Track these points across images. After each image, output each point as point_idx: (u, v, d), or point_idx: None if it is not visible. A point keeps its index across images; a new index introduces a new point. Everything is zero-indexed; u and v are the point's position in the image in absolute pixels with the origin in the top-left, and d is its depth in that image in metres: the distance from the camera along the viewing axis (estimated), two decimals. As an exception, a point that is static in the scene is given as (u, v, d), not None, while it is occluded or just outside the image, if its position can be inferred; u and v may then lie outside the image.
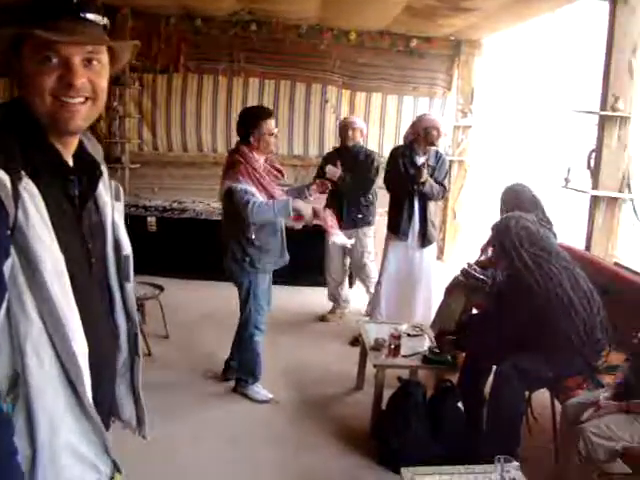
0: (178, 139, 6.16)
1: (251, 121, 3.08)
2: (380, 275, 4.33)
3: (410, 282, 4.26)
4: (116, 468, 1.20)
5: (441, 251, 6.51)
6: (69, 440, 1.08)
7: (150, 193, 6.04)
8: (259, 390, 3.42)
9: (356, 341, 4.00)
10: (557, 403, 2.94)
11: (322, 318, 4.73)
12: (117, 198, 1.26)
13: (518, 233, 2.90)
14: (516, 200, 3.65)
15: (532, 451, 2.90)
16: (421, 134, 4.06)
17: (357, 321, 3.90)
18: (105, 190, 1.23)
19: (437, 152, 4.22)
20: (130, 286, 1.26)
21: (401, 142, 4.50)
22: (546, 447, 2.93)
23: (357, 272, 4.63)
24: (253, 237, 3.12)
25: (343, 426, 3.24)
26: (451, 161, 6.19)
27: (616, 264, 3.87)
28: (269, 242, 3.20)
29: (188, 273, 5.25)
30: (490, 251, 3.62)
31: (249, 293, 3.24)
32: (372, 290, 4.46)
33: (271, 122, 3.09)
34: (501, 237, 2.94)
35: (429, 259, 4.30)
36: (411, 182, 4.05)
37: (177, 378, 3.60)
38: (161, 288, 4.21)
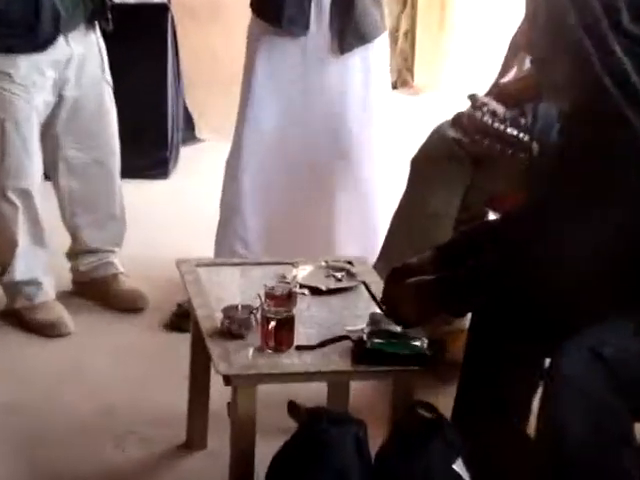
0: None
1: None
2: (240, 133, 4.55)
3: (317, 146, 4.53)
4: None
5: (408, 65, 6.73)
6: None
7: None
8: None
9: (182, 318, 4.18)
10: None
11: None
12: None
13: None
14: None
15: None
16: None
17: (177, 263, 3.78)
18: None
19: None
20: None
21: None
22: None
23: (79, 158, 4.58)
24: None
25: None
26: None
27: None
28: None
29: None
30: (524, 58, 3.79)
31: None
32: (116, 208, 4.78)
33: None
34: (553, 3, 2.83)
35: (366, 82, 4.54)
36: None
37: None
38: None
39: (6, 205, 4.45)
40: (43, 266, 4.58)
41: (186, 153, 5.97)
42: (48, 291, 4.59)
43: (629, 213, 2.81)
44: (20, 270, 4.52)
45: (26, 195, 4.47)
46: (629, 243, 2.84)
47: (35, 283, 4.56)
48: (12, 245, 4.48)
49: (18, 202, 4.45)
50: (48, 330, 4.51)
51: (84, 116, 4.52)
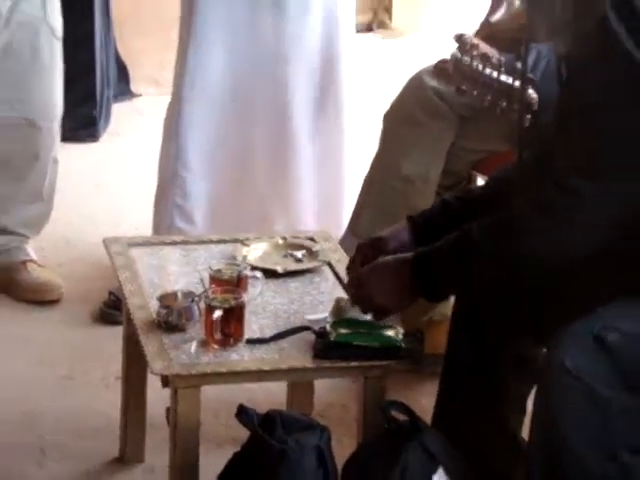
0: None
1: None
2: (180, 85, 4.65)
3: (274, 105, 4.64)
4: None
5: (386, 9, 6.73)
6: None
7: None
8: None
9: (113, 308, 4.19)
10: None
11: None
12: None
13: None
14: None
15: None
16: None
17: (106, 242, 3.86)
18: None
19: None
20: None
21: None
22: None
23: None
24: None
25: None
26: None
27: None
28: None
29: None
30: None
31: None
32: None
33: None
34: None
35: (331, 29, 4.68)
36: None
37: None
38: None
39: None
40: None
41: (119, 110, 5.92)
42: None
43: None
44: None
45: None
46: None
47: None
48: None
49: None
50: None
51: (13, 63, 4.52)
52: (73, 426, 3.93)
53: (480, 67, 3.80)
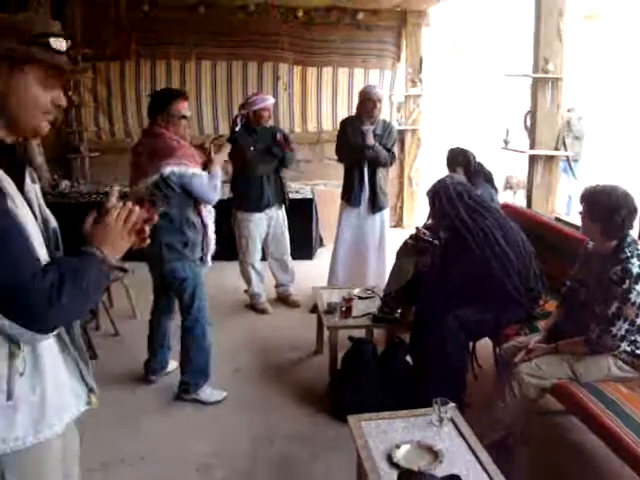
0: (135, 126, 6.13)
1: (159, 103, 2.96)
2: (336, 242, 4.44)
3: (363, 247, 4.36)
4: (91, 391, 1.39)
5: (400, 218, 6.61)
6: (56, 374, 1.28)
7: (112, 181, 5.73)
8: (212, 391, 3.22)
9: (316, 308, 4.16)
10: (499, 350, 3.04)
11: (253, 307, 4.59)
12: (34, 181, 1.32)
13: (455, 188, 3.00)
14: (459, 161, 3.88)
15: (477, 396, 3.04)
16: (361, 106, 4.17)
17: (313, 288, 4.00)
18: (27, 175, 1.30)
19: (385, 121, 4.34)
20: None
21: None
22: (491, 391, 2.96)
23: (275, 252, 4.53)
24: (192, 219, 3.03)
25: (305, 387, 3.36)
26: (404, 130, 6.36)
27: (557, 219, 3.95)
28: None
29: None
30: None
31: (194, 286, 3.07)
32: (289, 268, 4.57)
33: (182, 103, 2.97)
34: (439, 193, 3.03)
35: (382, 224, 4.39)
36: (359, 149, 4.13)
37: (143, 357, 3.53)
38: (124, 270, 4.20)
39: (248, 267, 4.35)
40: (262, 289, 4.46)
41: (320, 250, 5.68)
42: (263, 297, 4.48)
43: (472, 264, 2.89)
44: (254, 290, 4.43)
45: (253, 266, 4.36)
46: (474, 273, 2.89)
47: (259, 294, 4.45)
48: (250, 279, 4.40)
49: (250, 267, 4.36)
50: (260, 312, 4.42)
51: (278, 239, 4.42)
52: (303, 340, 3.90)
53: (421, 235, 3.75)
